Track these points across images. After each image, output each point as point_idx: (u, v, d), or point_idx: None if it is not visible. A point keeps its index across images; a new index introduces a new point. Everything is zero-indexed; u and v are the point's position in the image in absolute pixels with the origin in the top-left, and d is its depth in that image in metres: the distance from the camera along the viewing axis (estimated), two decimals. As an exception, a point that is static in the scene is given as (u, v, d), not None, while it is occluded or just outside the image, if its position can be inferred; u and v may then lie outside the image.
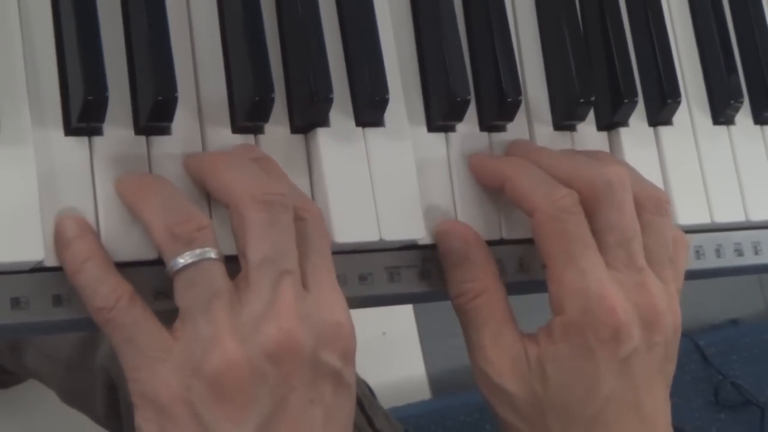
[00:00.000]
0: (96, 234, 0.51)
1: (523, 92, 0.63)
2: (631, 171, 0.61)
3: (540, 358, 0.57)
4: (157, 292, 0.53)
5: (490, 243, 0.61)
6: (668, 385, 0.60)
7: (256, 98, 0.55)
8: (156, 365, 0.49)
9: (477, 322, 0.59)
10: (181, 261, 0.49)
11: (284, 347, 0.49)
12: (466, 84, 0.60)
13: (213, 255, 0.50)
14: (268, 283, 0.50)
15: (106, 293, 0.50)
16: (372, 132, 0.59)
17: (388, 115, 0.59)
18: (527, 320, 0.60)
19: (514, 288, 0.61)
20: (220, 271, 0.50)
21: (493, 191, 0.61)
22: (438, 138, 0.61)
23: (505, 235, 0.62)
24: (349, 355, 0.52)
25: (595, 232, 0.57)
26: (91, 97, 0.51)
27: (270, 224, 0.50)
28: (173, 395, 0.49)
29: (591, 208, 0.57)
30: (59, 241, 0.51)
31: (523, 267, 0.63)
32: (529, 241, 0.59)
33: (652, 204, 0.59)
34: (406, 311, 1.61)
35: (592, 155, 0.61)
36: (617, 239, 0.57)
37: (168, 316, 0.51)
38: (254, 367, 0.49)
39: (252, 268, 0.50)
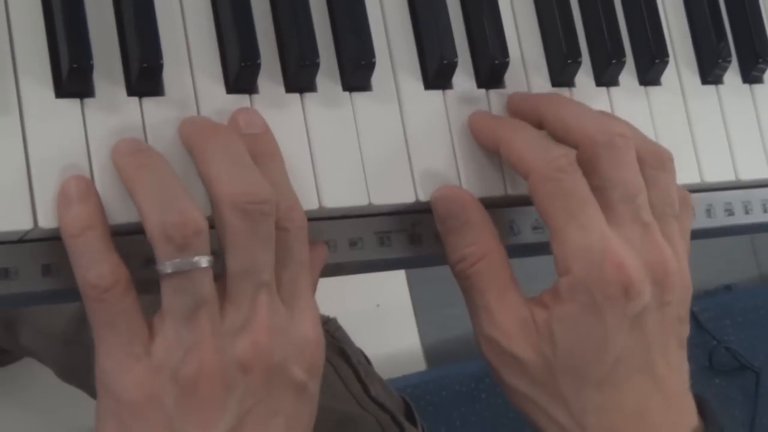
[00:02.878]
0: (101, 202, 0.50)
1: (520, 51, 0.64)
2: (634, 129, 0.60)
3: (547, 320, 0.56)
4: (147, 258, 0.52)
5: (496, 200, 0.60)
6: (683, 347, 0.59)
7: (242, 64, 0.55)
8: (131, 362, 0.49)
9: (481, 286, 0.58)
10: (170, 269, 0.49)
11: (254, 360, 0.50)
12: (452, 47, 0.60)
13: (204, 263, 0.49)
14: (246, 296, 0.51)
15: (105, 272, 0.49)
16: (359, 96, 0.59)
17: (375, 79, 0.59)
18: (527, 290, 0.59)
19: (528, 249, 0.61)
20: (207, 280, 0.50)
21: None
22: (435, 95, 0.61)
23: (510, 191, 0.61)
24: (314, 368, 0.54)
25: (597, 188, 0.56)
26: (75, 65, 0.51)
27: (249, 234, 0.50)
28: (144, 396, 0.49)
29: (592, 164, 0.56)
30: (62, 199, 0.50)
31: (514, 230, 0.63)
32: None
33: (655, 159, 0.58)
34: (400, 283, 1.61)
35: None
36: (621, 194, 0.56)
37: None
38: (228, 376, 0.50)
39: (231, 279, 0.51)
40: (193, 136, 0.53)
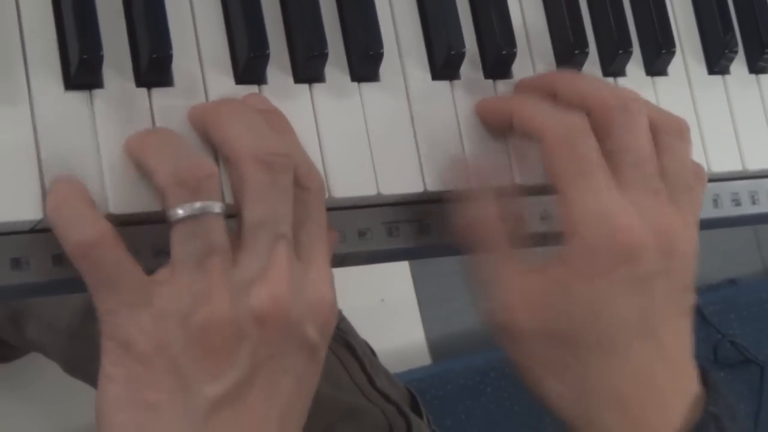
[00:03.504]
0: (80, 181, 0.50)
1: (527, 41, 0.64)
2: (649, 102, 0.60)
3: (550, 286, 0.56)
4: (157, 250, 0.52)
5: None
6: (687, 314, 0.59)
7: (251, 54, 0.55)
8: (135, 311, 0.48)
9: (486, 246, 0.58)
10: (182, 212, 0.49)
11: (272, 313, 0.49)
12: (460, 37, 0.60)
13: (216, 209, 0.49)
14: (263, 246, 0.50)
15: (87, 226, 0.48)
16: (367, 87, 0.59)
17: (383, 69, 0.59)
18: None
19: (536, 239, 0.61)
20: (220, 227, 0.49)
21: (502, 134, 0.61)
22: (443, 85, 0.61)
23: (518, 180, 0.61)
24: (327, 330, 0.53)
25: (609, 153, 0.56)
26: (85, 56, 0.51)
27: (269, 185, 0.50)
28: (152, 343, 0.48)
29: (605, 129, 0.57)
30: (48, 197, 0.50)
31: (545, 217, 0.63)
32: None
33: (672, 128, 0.58)
34: (405, 278, 1.61)
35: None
36: (632, 159, 0.56)
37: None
38: (240, 327, 0.49)
39: (247, 229, 0.50)
40: (206, 112, 0.53)
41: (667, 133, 0.58)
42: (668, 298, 0.57)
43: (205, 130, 0.53)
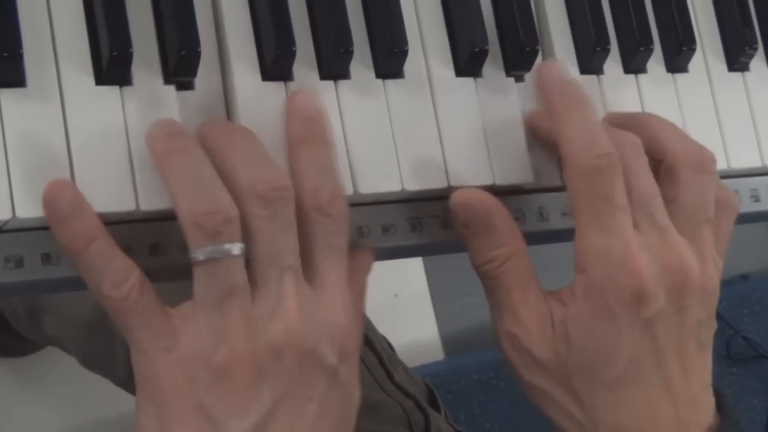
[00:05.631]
0: (90, 206, 0.50)
1: (549, 39, 0.64)
2: (674, 128, 0.60)
3: (563, 318, 0.57)
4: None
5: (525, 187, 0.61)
6: (703, 347, 0.59)
7: (278, 51, 0.55)
8: (161, 354, 0.50)
9: (507, 284, 0.58)
10: (202, 256, 0.49)
11: (286, 345, 0.51)
12: (484, 34, 0.61)
13: (235, 251, 0.50)
14: (273, 281, 0.51)
15: (118, 281, 0.50)
16: (392, 83, 0.59)
17: (408, 66, 0.60)
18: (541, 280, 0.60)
19: (557, 235, 0.61)
20: (239, 268, 0.50)
21: (525, 132, 0.61)
22: (467, 82, 0.62)
23: (538, 180, 0.62)
24: (346, 353, 0.53)
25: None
26: (115, 53, 0.52)
27: (269, 220, 0.50)
28: (177, 386, 0.50)
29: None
30: (54, 215, 0.50)
31: (543, 216, 0.63)
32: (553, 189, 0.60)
33: (694, 161, 0.58)
34: (418, 273, 1.62)
35: (633, 116, 0.62)
36: (635, 201, 0.56)
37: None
38: (260, 363, 0.50)
39: (256, 267, 0.51)
40: (210, 135, 0.53)
41: (689, 166, 0.58)
42: (680, 335, 0.57)
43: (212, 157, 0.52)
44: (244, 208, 0.50)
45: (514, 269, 0.58)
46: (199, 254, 0.49)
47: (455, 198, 0.58)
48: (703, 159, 0.58)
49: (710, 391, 0.59)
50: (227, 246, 0.49)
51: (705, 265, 0.58)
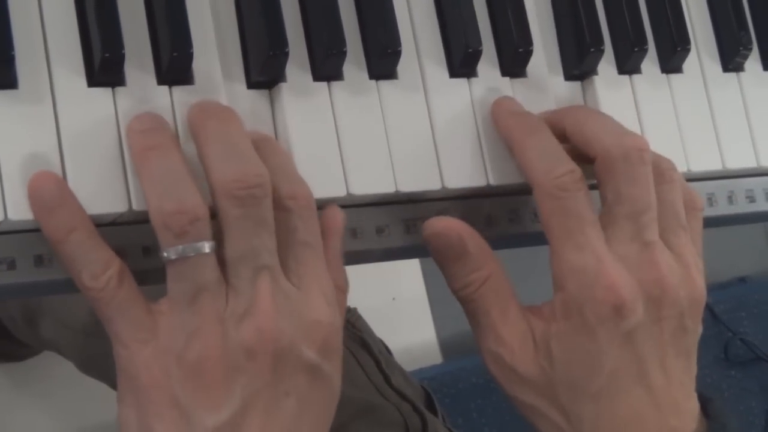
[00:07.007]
0: (76, 197, 0.51)
1: (542, 39, 0.64)
2: (603, 119, 0.60)
3: (544, 335, 0.57)
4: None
5: (520, 186, 0.61)
6: (686, 355, 0.59)
7: (271, 53, 0.55)
8: (139, 346, 0.51)
9: (486, 306, 0.58)
10: (170, 255, 0.50)
11: (260, 345, 0.51)
12: (477, 35, 0.61)
13: (205, 249, 0.50)
14: (247, 280, 0.51)
15: (97, 271, 0.50)
16: (385, 84, 0.59)
17: (401, 67, 0.60)
18: (521, 287, 0.60)
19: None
20: (210, 265, 0.50)
21: None
22: (460, 83, 0.62)
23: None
24: (328, 350, 0.53)
25: (606, 202, 0.57)
26: (108, 54, 0.52)
27: (243, 219, 0.51)
28: (153, 379, 0.50)
29: (604, 177, 0.57)
30: (38, 204, 0.50)
31: (537, 217, 0.63)
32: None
33: (654, 173, 0.58)
34: (416, 276, 1.61)
35: (561, 112, 0.61)
36: (626, 211, 0.57)
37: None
38: (232, 360, 0.51)
39: (229, 265, 0.51)
40: (194, 121, 0.53)
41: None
42: (660, 344, 0.57)
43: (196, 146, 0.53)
44: (218, 206, 0.51)
45: (491, 291, 0.58)
46: (170, 253, 0.50)
47: (426, 229, 0.59)
48: (662, 169, 0.59)
49: (695, 396, 0.59)
50: (196, 245, 0.50)
51: (689, 273, 0.58)
